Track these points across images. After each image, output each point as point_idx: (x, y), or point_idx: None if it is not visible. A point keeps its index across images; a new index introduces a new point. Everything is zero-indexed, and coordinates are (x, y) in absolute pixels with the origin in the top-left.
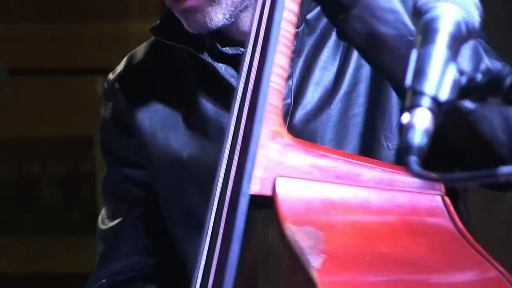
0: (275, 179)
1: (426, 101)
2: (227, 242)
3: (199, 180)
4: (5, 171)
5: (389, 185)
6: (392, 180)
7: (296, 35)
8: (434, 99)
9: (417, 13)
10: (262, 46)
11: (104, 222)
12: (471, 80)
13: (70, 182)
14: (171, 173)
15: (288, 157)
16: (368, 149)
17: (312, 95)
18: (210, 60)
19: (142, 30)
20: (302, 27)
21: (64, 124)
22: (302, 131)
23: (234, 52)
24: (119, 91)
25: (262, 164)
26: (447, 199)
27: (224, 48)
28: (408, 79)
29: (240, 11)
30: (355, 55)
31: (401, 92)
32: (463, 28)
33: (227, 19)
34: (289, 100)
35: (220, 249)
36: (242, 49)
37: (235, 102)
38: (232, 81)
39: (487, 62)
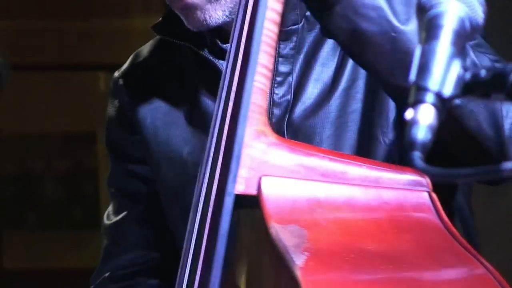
0: (260, 179)
1: (430, 97)
2: (213, 242)
3: None
4: (8, 167)
5: (375, 182)
6: (379, 177)
7: (296, 32)
8: (438, 95)
9: (421, 9)
10: (245, 46)
11: (109, 218)
12: (475, 76)
13: (73, 178)
14: (172, 170)
15: (273, 156)
16: (365, 144)
17: (312, 91)
18: (210, 57)
19: (144, 26)
20: (302, 23)
21: (67, 120)
22: (301, 127)
23: None
24: (123, 88)
25: (246, 163)
26: (434, 196)
27: (224, 45)
28: (412, 75)
29: None
30: None
31: (387, 88)
32: (467, 24)
33: (226, 16)
34: (288, 96)
35: (205, 248)
36: None
37: (219, 102)
38: None
39: (472, 57)
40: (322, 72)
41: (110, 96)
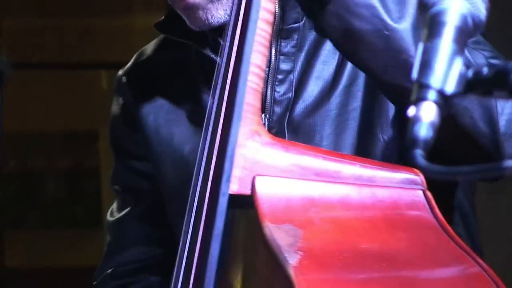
0: (254, 178)
1: (432, 95)
2: (207, 242)
3: None
4: (10, 165)
5: (369, 181)
6: (373, 176)
7: (297, 30)
8: (440, 93)
9: (424, 6)
10: (238, 46)
11: (113, 214)
12: (477, 73)
13: (75, 177)
14: (172, 168)
15: (267, 155)
16: (365, 142)
17: (313, 89)
18: (212, 55)
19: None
20: (303, 21)
21: (69, 119)
22: (301, 125)
23: None
24: (126, 86)
25: (240, 163)
26: (428, 194)
27: None
28: (415, 73)
29: None
30: None
31: (381, 86)
32: (470, 21)
33: (228, 15)
34: (290, 94)
35: (200, 249)
36: None
37: (212, 102)
38: None
39: (466, 55)
40: (323, 70)
41: (115, 94)
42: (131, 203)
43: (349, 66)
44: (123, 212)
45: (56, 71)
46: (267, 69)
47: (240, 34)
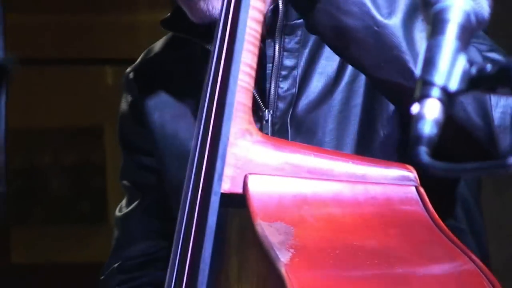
0: (246, 177)
1: (436, 92)
2: (200, 241)
3: None
4: (16, 161)
5: (362, 178)
6: (366, 173)
7: (301, 26)
8: (444, 90)
9: (426, 3)
10: (228, 45)
11: (121, 210)
12: (480, 70)
13: (80, 172)
14: (177, 163)
15: (258, 154)
16: (366, 138)
17: (316, 85)
18: None
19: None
20: None
21: (74, 114)
22: (304, 120)
23: None
24: (134, 82)
25: (232, 162)
26: (421, 190)
27: None
28: (418, 70)
29: None
30: None
31: (374, 82)
32: (473, 18)
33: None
34: (293, 90)
35: (193, 247)
36: None
37: (204, 101)
38: None
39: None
40: (326, 66)
41: (123, 91)
42: (138, 198)
43: None
44: (131, 207)
45: (61, 67)
46: (271, 65)
47: (230, 34)
